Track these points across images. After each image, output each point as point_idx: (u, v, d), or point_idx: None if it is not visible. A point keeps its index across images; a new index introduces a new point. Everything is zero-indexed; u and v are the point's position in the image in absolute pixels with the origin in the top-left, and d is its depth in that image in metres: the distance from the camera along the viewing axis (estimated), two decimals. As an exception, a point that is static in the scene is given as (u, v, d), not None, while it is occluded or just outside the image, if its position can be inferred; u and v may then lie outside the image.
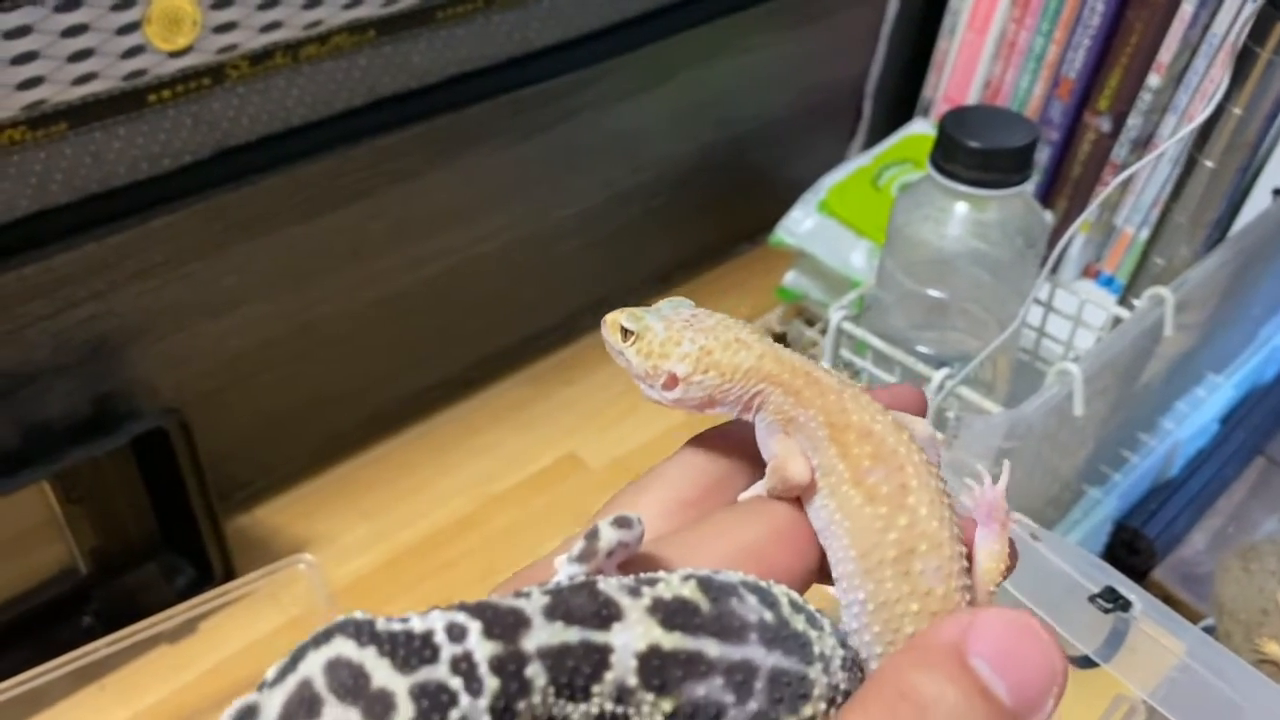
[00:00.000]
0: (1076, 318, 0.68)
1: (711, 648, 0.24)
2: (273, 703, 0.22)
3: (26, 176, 0.52)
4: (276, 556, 0.62)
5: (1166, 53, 0.77)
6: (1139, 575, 0.65)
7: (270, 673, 0.22)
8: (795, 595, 0.26)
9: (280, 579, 0.61)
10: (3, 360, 0.55)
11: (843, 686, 0.25)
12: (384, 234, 0.67)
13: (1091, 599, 0.44)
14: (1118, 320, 0.65)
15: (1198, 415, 0.71)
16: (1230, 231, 0.67)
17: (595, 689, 0.23)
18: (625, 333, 0.30)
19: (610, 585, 0.24)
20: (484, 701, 0.22)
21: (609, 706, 0.23)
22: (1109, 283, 0.84)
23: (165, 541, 0.64)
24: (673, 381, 0.29)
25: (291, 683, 0.22)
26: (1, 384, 0.56)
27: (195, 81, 0.55)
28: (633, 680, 0.23)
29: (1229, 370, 0.73)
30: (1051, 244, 0.66)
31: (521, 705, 0.22)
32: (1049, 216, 0.78)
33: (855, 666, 0.26)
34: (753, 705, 0.24)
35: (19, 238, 0.53)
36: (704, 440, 0.31)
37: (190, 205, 0.58)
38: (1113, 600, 0.44)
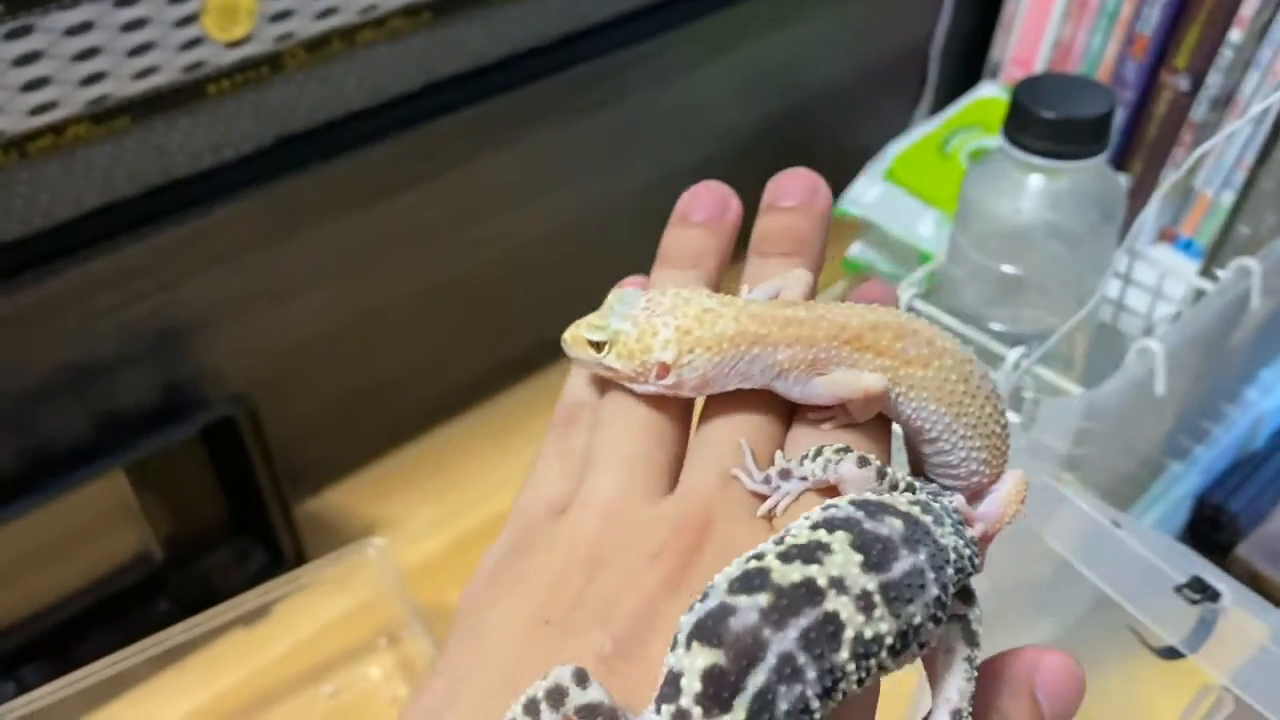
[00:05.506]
0: (1156, 290, 0.65)
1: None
2: None
3: (92, 171, 0.53)
4: (346, 540, 0.63)
5: (1248, 6, 0.73)
6: (1222, 552, 0.63)
7: None
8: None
9: (351, 562, 0.61)
10: (74, 353, 0.56)
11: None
12: (444, 217, 0.67)
13: (1178, 589, 0.43)
14: (1199, 292, 0.62)
15: (1284, 385, 0.68)
16: (1320, 195, 0.64)
17: None
18: (596, 346, 0.30)
19: None
20: None
21: None
22: (1188, 246, 0.81)
23: (237, 527, 0.65)
24: (664, 371, 0.29)
25: None
26: (74, 376, 0.57)
27: (253, 71, 0.55)
28: None
29: (1317, 337, 0.70)
30: (1128, 208, 0.63)
31: None
32: (1124, 180, 0.75)
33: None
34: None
35: (86, 232, 0.54)
36: (738, 399, 0.30)
37: (252, 194, 0.58)
38: (1200, 590, 0.42)
